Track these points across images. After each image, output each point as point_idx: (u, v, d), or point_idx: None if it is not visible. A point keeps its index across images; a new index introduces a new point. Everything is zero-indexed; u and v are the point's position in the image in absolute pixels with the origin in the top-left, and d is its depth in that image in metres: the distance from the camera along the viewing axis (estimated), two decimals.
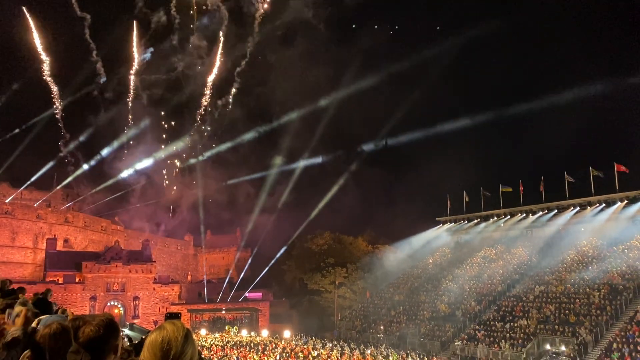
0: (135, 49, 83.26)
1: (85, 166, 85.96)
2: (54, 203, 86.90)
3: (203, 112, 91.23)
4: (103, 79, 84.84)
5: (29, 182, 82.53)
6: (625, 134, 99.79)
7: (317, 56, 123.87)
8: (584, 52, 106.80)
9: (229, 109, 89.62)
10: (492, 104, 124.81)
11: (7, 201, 77.91)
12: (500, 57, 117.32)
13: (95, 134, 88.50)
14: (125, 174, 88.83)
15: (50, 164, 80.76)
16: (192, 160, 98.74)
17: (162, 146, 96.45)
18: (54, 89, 78.88)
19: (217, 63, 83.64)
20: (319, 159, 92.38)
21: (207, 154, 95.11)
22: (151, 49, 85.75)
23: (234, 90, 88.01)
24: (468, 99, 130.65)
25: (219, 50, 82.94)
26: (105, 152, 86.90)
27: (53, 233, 77.25)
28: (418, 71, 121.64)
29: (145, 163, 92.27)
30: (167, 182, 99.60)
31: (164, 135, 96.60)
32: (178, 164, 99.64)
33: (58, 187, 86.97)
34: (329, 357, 45.10)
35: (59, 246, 75.18)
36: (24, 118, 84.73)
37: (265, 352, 48.02)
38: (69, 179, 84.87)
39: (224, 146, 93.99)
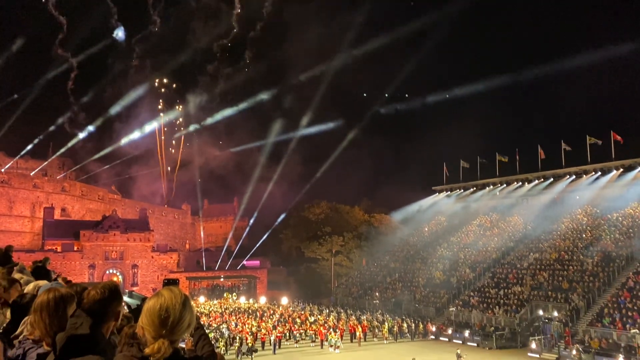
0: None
1: (82, 135, 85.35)
2: (50, 172, 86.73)
3: (211, 75, 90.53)
4: (120, 33, 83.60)
5: (24, 151, 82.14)
6: (622, 103, 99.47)
7: (333, 14, 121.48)
8: (582, 23, 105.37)
9: (245, 70, 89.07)
10: (491, 73, 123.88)
11: (2, 170, 77.68)
12: (502, 22, 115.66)
13: (99, 96, 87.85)
14: (125, 140, 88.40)
15: (59, 121, 79.51)
16: (192, 128, 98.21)
17: (161, 114, 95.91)
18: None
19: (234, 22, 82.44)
20: (317, 128, 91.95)
21: (210, 119, 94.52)
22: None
23: (246, 52, 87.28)
24: (467, 67, 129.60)
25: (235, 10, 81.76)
26: (112, 110, 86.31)
27: (50, 202, 77.34)
28: (424, 34, 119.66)
29: (147, 128, 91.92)
30: (171, 149, 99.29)
31: (160, 104, 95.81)
32: (178, 132, 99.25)
33: (54, 156, 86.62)
34: (325, 322, 45.90)
35: (57, 215, 75.37)
36: (20, 83, 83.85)
37: (264, 318, 48.84)
38: (69, 144, 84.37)
39: (226, 112, 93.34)
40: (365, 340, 42.74)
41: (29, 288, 4.12)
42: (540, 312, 42.00)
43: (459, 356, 31.42)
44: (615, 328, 35.41)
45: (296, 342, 41.45)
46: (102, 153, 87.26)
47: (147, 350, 2.16)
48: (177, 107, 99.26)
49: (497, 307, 45.67)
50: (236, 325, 44.27)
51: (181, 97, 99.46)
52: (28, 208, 76.41)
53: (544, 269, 48.54)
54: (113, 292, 2.68)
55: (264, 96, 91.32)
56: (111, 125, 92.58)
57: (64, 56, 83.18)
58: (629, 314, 36.18)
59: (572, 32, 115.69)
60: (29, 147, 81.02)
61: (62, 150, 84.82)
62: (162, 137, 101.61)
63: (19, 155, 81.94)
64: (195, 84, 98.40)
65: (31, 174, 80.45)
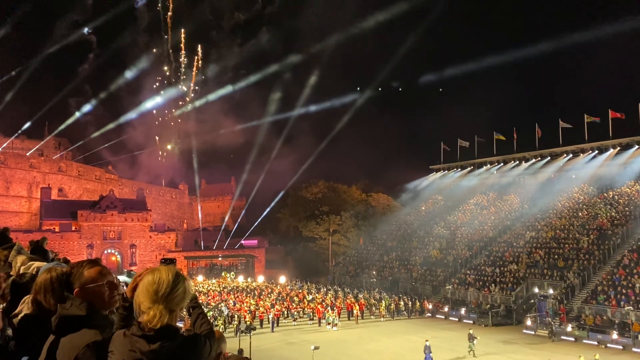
0: None
1: (78, 114, 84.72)
2: (47, 152, 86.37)
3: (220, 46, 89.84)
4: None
5: (20, 131, 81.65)
6: (621, 80, 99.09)
7: None
8: None
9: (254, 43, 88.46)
10: (489, 52, 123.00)
11: None
12: None
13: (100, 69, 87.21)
14: (125, 118, 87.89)
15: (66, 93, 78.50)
16: (189, 107, 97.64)
17: (161, 92, 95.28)
18: None
19: None
20: (315, 107, 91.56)
21: (213, 96, 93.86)
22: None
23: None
24: (465, 47, 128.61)
25: None
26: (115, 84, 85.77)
27: (47, 182, 77.21)
28: (425, 11, 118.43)
29: (147, 105, 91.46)
30: (171, 124, 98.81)
31: (156, 81, 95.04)
32: (176, 112, 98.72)
33: (50, 136, 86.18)
34: (323, 300, 46.35)
35: (54, 195, 75.30)
36: (16, 61, 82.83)
37: (262, 297, 49.25)
38: (66, 123, 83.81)
39: (229, 88, 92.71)
40: (362, 318, 43.25)
41: (28, 268, 4.11)
42: (536, 290, 42.47)
43: (471, 337, 30.46)
44: (609, 305, 35.86)
45: (294, 320, 41.92)
46: (99, 132, 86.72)
47: (144, 318, 2.17)
48: (180, 79, 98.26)
49: (493, 285, 46.14)
50: (234, 303, 44.66)
51: (188, 69, 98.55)
52: (25, 188, 76.30)
53: (540, 247, 48.92)
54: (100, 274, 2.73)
55: (268, 71, 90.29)
56: (111, 103, 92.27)
57: (87, 38, 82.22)
58: (623, 291, 36.62)
59: (570, 10, 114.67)
60: (26, 125, 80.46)
61: (60, 128, 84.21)
62: (159, 119, 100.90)
63: (15, 135, 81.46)
64: (206, 54, 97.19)
65: (27, 154, 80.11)
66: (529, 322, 38.06)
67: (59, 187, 79.17)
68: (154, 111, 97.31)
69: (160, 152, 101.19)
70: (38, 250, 7.19)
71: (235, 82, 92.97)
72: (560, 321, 36.93)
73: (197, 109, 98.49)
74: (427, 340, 29.03)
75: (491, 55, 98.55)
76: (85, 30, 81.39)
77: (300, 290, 53.31)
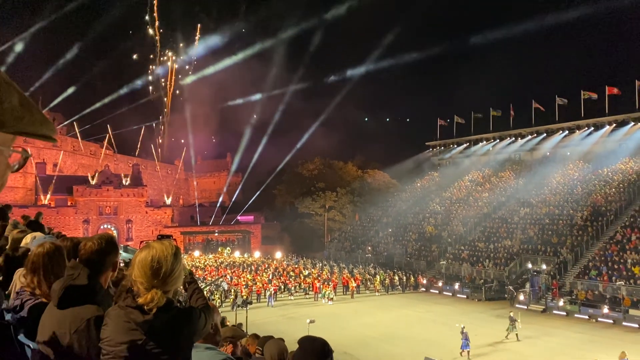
0: None
1: (73, 88, 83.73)
2: None
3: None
4: None
5: None
6: (618, 56, 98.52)
7: None
8: None
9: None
10: (486, 27, 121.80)
11: None
12: None
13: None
14: (115, 95, 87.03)
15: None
16: (188, 79, 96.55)
17: (152, 67, 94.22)
18: None
19: None
20: (310, 83, 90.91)
21: (211, 69, 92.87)
22: None
23: None
24: (461, 22, 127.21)
25: None
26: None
27: (42, 157, 76.83)
28: None
29: (140, 81, 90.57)
30: (166, 98, 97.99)
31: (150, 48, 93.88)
32: (173, 84, 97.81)
33: (44, 110, 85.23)
34: (319, 275, 46.78)
35: (49, 170, 75.04)
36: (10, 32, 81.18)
37: (258, 272, 49.65)
38: (60, 97, 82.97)
39: (226, 62, 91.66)
40: (358, 293, 43.72)
41: (25, 240, 4.11)
42: (529, 265, 42.94)
43: (512, 319, 28.51)
44: (601, 280, 36.34)
45: (291, 295, 42.32)
46: (93, 107, 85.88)
47: (140, 300, 2.19)
48: (172, 52, 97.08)
49: (487, 260, 46.60)
50: (232, 279, 45.06)
51: (185, 41, 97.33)
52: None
53: (534, 223, 49.29)
54: (110, 243, 2.71)
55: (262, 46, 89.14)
56: (107, 78, 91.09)
57: None
58: (615, 266, 37.06)
59: None
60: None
61: (54, 102, 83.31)
62: (153, 92, 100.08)
63: None
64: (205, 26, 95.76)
65: None
66: (521, 297, 38.59)
67: (54, 162, 78.82)
68: (150, 88, 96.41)
69: (161, 128, 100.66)
70: (33, 225, 7.19)
71: (235, 53, 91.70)
72: (553, 296, 37.48)
73: (193, 83, 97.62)
74: (463, 326, 25.32)
75: (488, 30, 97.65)
76: None
77: (296, 266, 53.76)
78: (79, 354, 2.34)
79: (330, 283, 42.78)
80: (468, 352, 24.14)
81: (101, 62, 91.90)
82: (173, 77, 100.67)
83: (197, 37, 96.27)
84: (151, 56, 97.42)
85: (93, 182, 69.69)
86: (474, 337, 25.47)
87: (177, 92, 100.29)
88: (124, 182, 72.36)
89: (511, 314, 29.00)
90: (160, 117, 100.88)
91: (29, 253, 3.06)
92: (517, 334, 27.83)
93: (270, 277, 45.57)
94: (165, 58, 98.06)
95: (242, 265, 55.39)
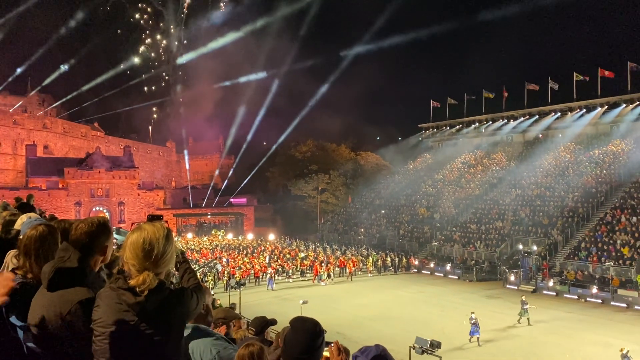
0: None
1: (64, 67, 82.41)
2: (30, 109, 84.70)
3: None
4: None
5: (2, 87, 79.64)
6: (610, 39, 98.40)
7: None
8: None
9: None
10: (478, 8, 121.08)
11: None
12: None
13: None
14: (106, 75, 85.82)
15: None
16: (181, 59, 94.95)
17: (143, 45, 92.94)
18: None
19: None
20: (303, 64, 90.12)
21: (204, 49, 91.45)
22: None
23: None
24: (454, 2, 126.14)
25: None
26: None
27: (32, 139, 76.15)
28: None
29: (133, 60, 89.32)
30: (161, 81, 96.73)
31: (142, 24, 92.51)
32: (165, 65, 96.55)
33: (34, 92, 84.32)
34: (316, 258, 46.89)
35: (39, 152, 74.42)
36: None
37: (254, 254, 49.70)
38: (49, 79, 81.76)
39: (221, 41, 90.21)
40: (355, 275, 43.86)
41: (21, 220, 4.09)
42: (520, 247, 43.36)
43: (524, 303, 27.79)
44: (590, 261, 36.81)
45: (289, 277, 42.30)
46: (84, 88, 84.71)
47: (132, 282, 2.19)
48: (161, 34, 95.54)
49: (478, 241, 47.00)
50: (228, 261, 44.86)
51: (177, 21, 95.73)
52: (9, 145, 75.18)
53: (525, 204, 49.65)
54: (102, 226, 2.67)
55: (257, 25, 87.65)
56: (97, 58, 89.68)
57: None
58: (605, 247, 37.52)
59: None
60: (9, 80, 78.39)
61: (44, 83, 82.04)
62: (144, 75, 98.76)
63: None
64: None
65: (10, 111, 78.53)
66: (512, 278, 39.06)
67: (45, 144, 78.13)
68: (143, 76, 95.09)
69: (158, 110, 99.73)
70: (25, 208, 7.16)
71: (228, 32, 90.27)
72: (543, 277, 37.97)
73: (184, 65, 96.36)
74: (472, 313, 24.77)
75: (481, 12, 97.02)
76: None
77: (291, 248, 53.89)
78: (70, 336, 2.35)
79: (328, 264, 43.04)
80: (478, 338, 24.15)
81: (93, 40, 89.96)
82: (167, 57, 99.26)
83: (183, 14, 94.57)
84: (142, 36, 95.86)
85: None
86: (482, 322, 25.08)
87: (169, 74, 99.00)
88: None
89: (523, 298, 28.53)
90: (155, 100, 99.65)
91: (22, 236, 3.05)
92: (528, 318, 27.55)
93: (268, 260, 45.54)
94: (159, 37, 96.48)
95: (238, 247, 55.41)
